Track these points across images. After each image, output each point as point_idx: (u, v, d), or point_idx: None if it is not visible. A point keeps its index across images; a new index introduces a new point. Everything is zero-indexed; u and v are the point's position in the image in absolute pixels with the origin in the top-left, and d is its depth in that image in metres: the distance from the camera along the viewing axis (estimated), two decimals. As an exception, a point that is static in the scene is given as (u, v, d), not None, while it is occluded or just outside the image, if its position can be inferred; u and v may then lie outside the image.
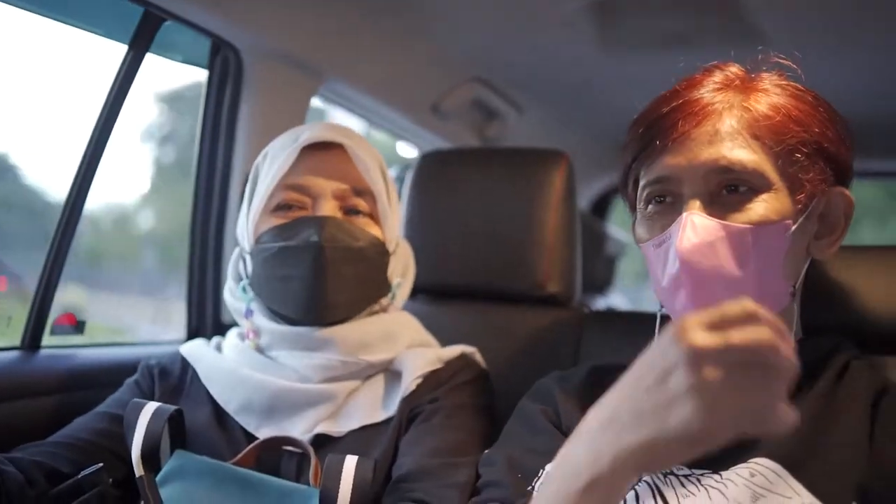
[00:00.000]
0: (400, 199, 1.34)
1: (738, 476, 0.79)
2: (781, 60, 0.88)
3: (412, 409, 1.07)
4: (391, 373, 1.13)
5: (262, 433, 1.05)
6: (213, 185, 1.61)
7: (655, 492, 0.82)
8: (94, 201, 1.41)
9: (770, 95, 0.85)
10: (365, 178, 1.12)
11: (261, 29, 1.52)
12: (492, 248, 1.44)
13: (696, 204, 0.82)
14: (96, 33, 1.40)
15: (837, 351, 0.88)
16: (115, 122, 1.37)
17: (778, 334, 0.55)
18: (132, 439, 0.91)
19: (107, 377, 1.29)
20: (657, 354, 0.58)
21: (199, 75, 1.63)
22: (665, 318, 0.92)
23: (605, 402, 0.63)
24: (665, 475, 0.83)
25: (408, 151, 2.50)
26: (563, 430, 0.94)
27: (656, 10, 1.72)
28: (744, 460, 0.80)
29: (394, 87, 1.97)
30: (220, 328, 1.55)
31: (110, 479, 0.97)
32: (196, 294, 1.62)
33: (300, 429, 1.05)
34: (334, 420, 1.07)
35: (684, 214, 0.82)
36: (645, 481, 0.83)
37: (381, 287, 1.16)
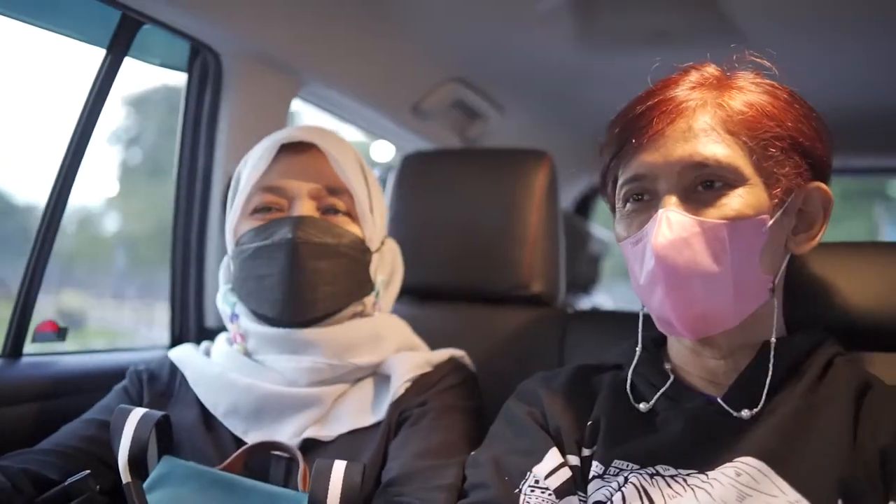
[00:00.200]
0: (383, 201, 1.34)
1: (724, 475, 0.80)
2: (757, 59, 0.89)
3: (401, 413, 1.07)
4: (379, 376, 1.13)
5: (251, 438, 1.05)
6: (195, 189, 1.60)
7: (642, 493, 0.83)
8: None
9: (744, 92, 0.86)
10: (341, 177, 1.12)
11: (240, 31, 1.52)
12: (475, 248, 1.45)
13: (672, 200, 0.83)
14: (74, 38, 1.39)
15: (820, 348, 0.89)
16: (94, 126, 1.36)
17: None
18: (119, 446, 0.91)
19: (90, 383, 1.28)
20: None
21: (167, 78, 1.61)
22: (647, 317, 0.93)
23: None
24: (651, 476, 0.84)
25: (382, 155, 2.51)
26: (550, 431, 0.95)
27: (635, 8, 1.73)
28: (729, 460, 0.81)
29: (375, 88, 1.96)
30: (204, 333, 1.55)
31: (97, 487, 0.96)
32: (179, 299, 1.61)
33: (288, 433, 1.05)
34: (322, 424, 1.07)
35: (660, 211, 0.83)
36: (631, 483, 0.84)
37: (363, 285, 1.15)
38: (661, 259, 0.81)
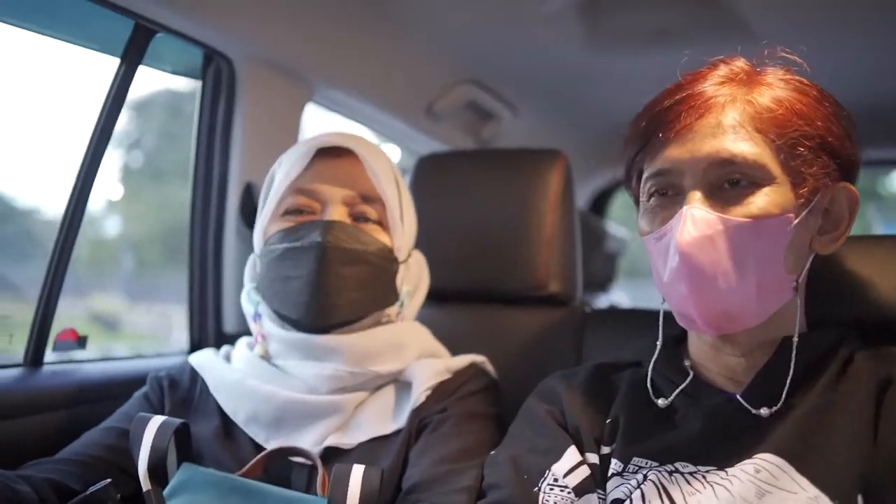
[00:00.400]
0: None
1: (743, 472, 0.79)
2: (787, 55, 0.88)
3: (421, 420, 1.07)
4: (401, 384, 1.12)
5: (272, 445, 1.05)
6: (211, 195, 1.60)
7: (661, 490, 0.82)
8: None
9: (774, 89, 0.84)
10: (375, 185, 1.12)
11: (252, 38, 1.52)
12: (491, 249, 1.44)
13: (697, 196, 0.82)
14: (89, 48, 1.40)
15: (841, 344, 0.88)
16: (110, 133, 1.37)
17: None
18: (138, 454, 0.91)
19: (111, 391, 1.29)
20: None
21: (168, 83, 1.62)
22: (668, 314, 0.92)
23: None
24: (670, 473, 0.83)
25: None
26: (569, 430, 0.94)
27: (639, 7, 1.72)
28: (748, 456, 0.80)
29: (388, 91, 1.97)
30: (223, 338, 1.55)
31: (118, 495, 0.96)
32: (197, 305, 1.61)
33: (309, 441, 1.05)
34: (343, 432, 1.06)
35: (684, 208, 0.82)
36: (650, 480, 0.83)
37: (388, 294, 1.15)
38: (685, 256, 0.80)
